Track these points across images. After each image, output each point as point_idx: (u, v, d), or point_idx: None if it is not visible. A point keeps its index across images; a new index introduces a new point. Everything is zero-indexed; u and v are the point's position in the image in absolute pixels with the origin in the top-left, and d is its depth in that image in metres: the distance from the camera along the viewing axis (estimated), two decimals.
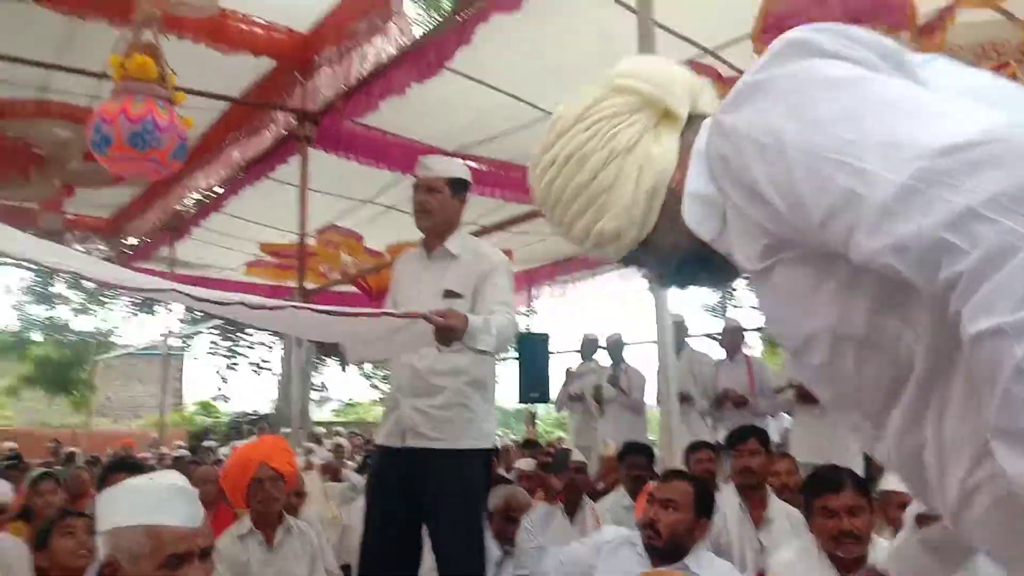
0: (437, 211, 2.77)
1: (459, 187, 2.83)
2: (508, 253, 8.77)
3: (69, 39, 4.81)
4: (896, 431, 0.76)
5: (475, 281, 2.70)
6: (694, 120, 0.94)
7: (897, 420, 0.76)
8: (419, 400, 2.70)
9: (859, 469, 4.87)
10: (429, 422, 2.67)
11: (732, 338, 5.62)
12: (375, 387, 21.57)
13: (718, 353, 5.76)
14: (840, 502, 2.23)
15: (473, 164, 6.18)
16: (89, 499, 5.09)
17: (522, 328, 11.47)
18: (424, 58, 4.32)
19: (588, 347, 7.17)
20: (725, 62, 4.36)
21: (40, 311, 16.20)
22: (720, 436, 4.93)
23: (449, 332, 2.24)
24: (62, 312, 16.58)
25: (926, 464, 0.74)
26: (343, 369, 18.41)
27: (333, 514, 4.97)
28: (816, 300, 0.76)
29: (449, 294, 2.69)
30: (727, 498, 3.12)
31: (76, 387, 15.60)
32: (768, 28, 3.85)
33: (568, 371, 7.33)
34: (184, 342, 18.40)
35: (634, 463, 3.97)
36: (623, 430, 6.13)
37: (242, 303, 2.07)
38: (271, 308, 2.14)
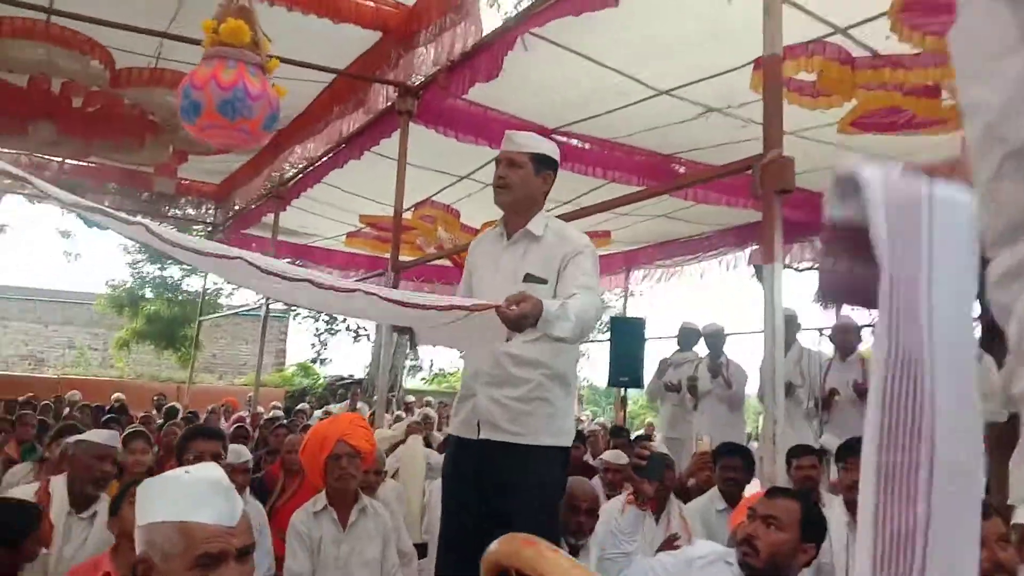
0: (517, 186, 2.60)
1: (544, 164, 2.65)
2: (607, 234, 8.66)
3: (181, 6, 4.88)
4: None
5: (558, 264, 2.52)
6: None
7: None
8: (497, 390, 2.55)
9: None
10: (507, 414, 2.52)
11: (844, 337, 5.24)
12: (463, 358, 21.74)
13: (829, 350, 5.39)
14: (989, 530, 1.96)
15: (576, 142, 6.00)
16: None
17: (617, 311, 11.25)
18: (522, 30, 4.14)
19: (686, 336, 6.86)
20: (857, 42, 4.00)
21: (153, 270, 17.06)
22: (825, 440, 4.62)
23: (521, 320, 2.08)
24: (173, 272, 17.40)
25: None
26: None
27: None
28: None
29: (530, 279, 2.53)
30: (834, 513, 2.87)
31: (183, 344, 16.36)
32: (909, 6, 3.51)
33: (663, 360, 7.05)
34: (288, 305, 18.99)
35: (730, 465, 3.74)
36: (719, 425, 5.86)
37: (309, 280, 1.98)
38: (339, 290, 2.04)
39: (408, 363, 16.92)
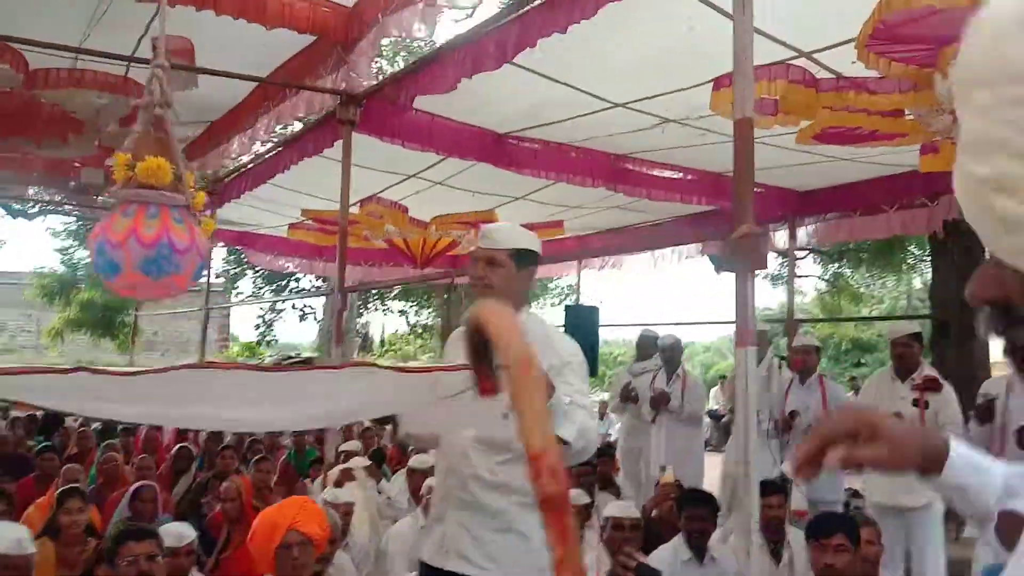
0: (499, 288, 2.36)
1: (526, 259, 2.42)
2: (558, 224, 8.50)
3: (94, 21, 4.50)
4: None
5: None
6: None
7: None
8: (467, 516, 2.34)
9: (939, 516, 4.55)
10: (477, 546, 2.31)
11: (805, 358, 5.18)
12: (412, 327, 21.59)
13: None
14: None
15: (527, 145, 5.78)
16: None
17: (571, 300, 11.17)
18: (483, 51, 3.87)
19: (645, 345, 6.73)
20: (822, 65, 3.85)
21: (84, 255, 16.28)
22: (786, 467, 4.58)
23: None
24: None
25: None
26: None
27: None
28: None
29: None
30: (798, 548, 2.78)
31: (121, 330, 15.75)
32: (878, 35, 3.36)
33: (619, 372, 6.95)
34: (228, 284, 18.47)
35: (695, 515, 3.65)
36: (676, 440, 5.80)
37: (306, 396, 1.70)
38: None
39: (356, 339, 16.63)
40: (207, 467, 6.18)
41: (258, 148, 6.94)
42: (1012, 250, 0.58)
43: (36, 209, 11.99)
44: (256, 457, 5.42)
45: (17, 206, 11.24)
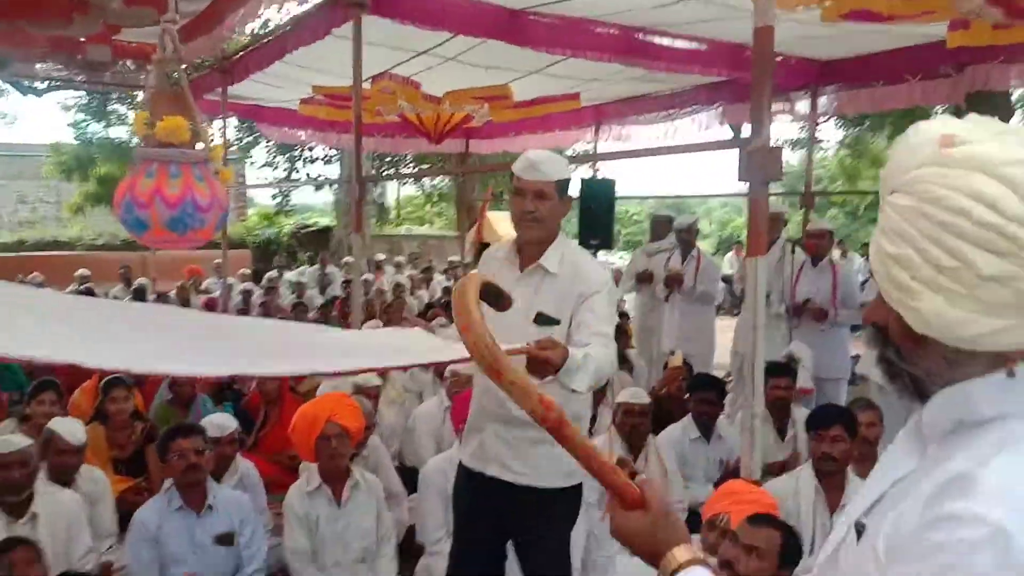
0: (548, 219, 2.40)
1: (566, 188, 2.45)
2: (575, 96, 8.36)
3: None
4: None
5: (573, 304, 2.36)
6: None
7: None
8: (504, 429, 2.47)
9: None
10: (514, 455, 2.47)
11: (818, 243, 5.23)
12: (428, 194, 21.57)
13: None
14: None
15: (542, 21, 5.61)
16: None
17: (587, 174, 11.05)
18: None
19: (659, 226, 6.78)
20: None
21: (98, 129, 16.14)
22: (794, 347, 4.74)
23: (544, 366, 1.98)
24: (119, 132, 16.54)
25: None
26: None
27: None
28: None
29: (543, 319, 2.38)
30: (803, 482, 2.99)
31: None
32: None
33: (635, 253, 7.02)
34: (242, 153, 18.38)
35: (704, 398, 3.87)
36: (688, 318, 5.96)
37: (337, 372, 1.78)
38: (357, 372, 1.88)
39: (375, 215, 16.67)
40: None
41: (270, 16, 6.75)
42: (896, 301, 0.84)
43: (45, 85, 11.84)
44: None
45: (26, 83, 11.10)
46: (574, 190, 2.51)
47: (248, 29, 6.73)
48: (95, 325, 2.05)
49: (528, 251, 2.49)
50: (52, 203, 20.69)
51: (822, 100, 7.30)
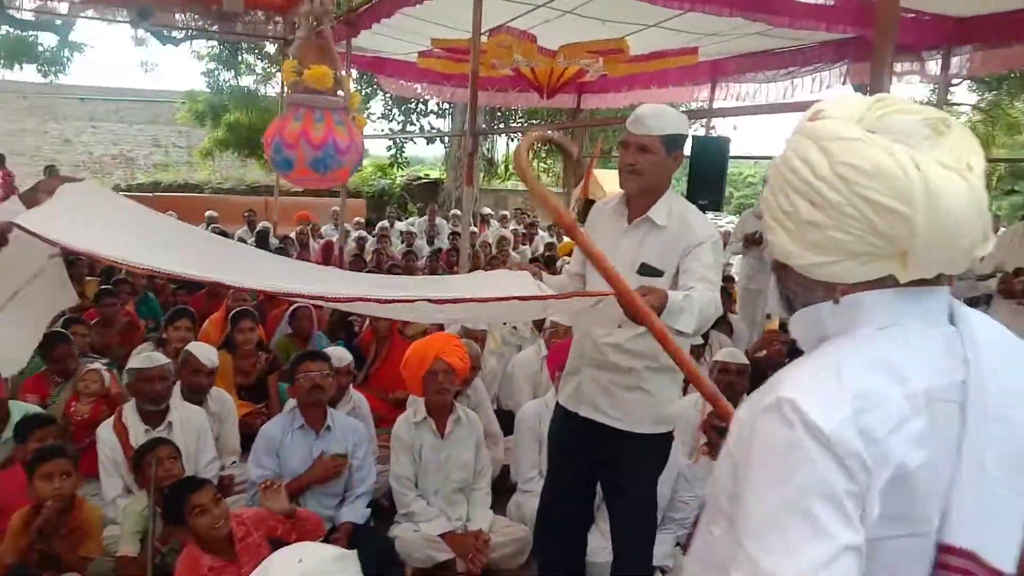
0: (648, 173, 2.43)
1: (675, 144, 2.44)
2: (693, 51, 8.19)
3: None
4: None
5: (679, 256, 2.40)
6: None
7: None
8: (600, 373, 2.57)
9: None
10: (608, 399, 2.56)
11: None
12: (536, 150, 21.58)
13: None
14: None
15: None
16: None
17: (701, 132, 10.83)
18: None
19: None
20: None
21: (228, 77, 16.91)
22: None
23: (644, 314, 1.97)
24: (248, 81, 17.26)
25: None
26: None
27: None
28: None
29: (646, 269, 2.43)
30: None
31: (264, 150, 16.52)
32: None
33: (744, 214, 6.88)
34: (361, 105, 18.89)
35: None
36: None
37: (428, 300, 1.86)
38: (453, 301, 1.95)
39: (481, 167, 16.87)
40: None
41: None
42: (767, 234, 1.06)
43: (183, 35, 12.48)
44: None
45: (167, 33, 11.73)
46: (687, 147, 2.51)
47: None
48: (232, 256, 2.28)
49: (637, 204, 2.53)
50: (183, 148, 21.91)
51: (955, 60, 6.88)
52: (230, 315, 4.72)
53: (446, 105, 17.21)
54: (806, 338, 1.05)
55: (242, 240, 9.19)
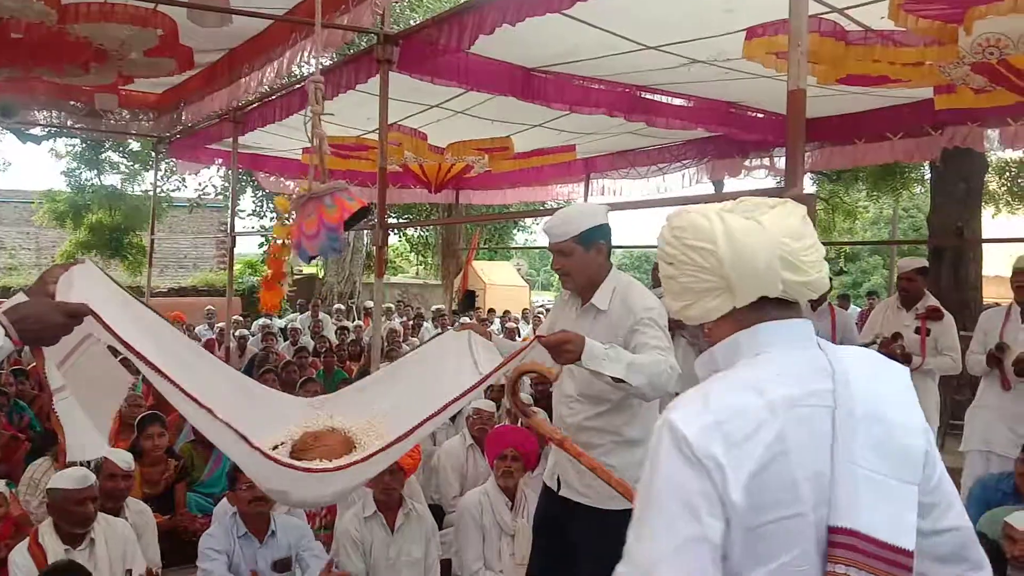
0: (577, 272, 2.67)
1: (591, 237, 2.65)
2: (571, 148, 8.70)
3: None
4: None
5: (624, 336, 2.59)
6: None
7: None
8: None
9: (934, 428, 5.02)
10: (578, 476, 2.69)
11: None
12: (412, 244, 21.82)
13: None
14: None
15: (554, 80, 5.93)
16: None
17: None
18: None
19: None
20: (852, 19, 4.06)
21: (91, 176, 16.17)
22: None
23: (562, 344, 2.27)
24: (113, 180, 16.63)
25: None
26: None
27: None
28: None
29: None
30: None
31: (130, 251, 15.86)
32: None
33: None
34: (225, 197, 18.54)
35: None
36: (690, 362, 6.19)
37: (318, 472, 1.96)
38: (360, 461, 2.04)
39: (362, 262, 16.85)
40: None
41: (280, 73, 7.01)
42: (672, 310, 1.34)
43: (45, 132, 11.92)
44: (302, 379, 5.79)
45: (28, 131, 11.18)
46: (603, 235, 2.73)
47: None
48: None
49: (584, 292, 2.74)
50: (31, 250, 20.58)
51: (805, 156, 7.69)
52: (137, 420, 4.49)
53: None
54: (704, 376, 1.27)
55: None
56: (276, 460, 1.96)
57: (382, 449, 2.02)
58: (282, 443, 2.26)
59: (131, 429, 4.67)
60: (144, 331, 2.03)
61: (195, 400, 1.91)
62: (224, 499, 3.44)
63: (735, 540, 1.10)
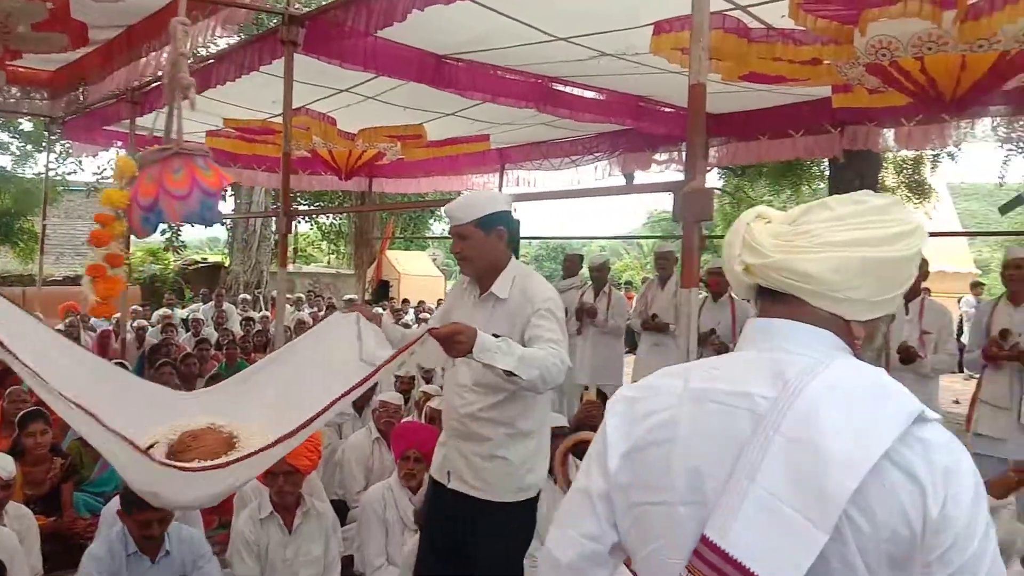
0: (475, 257, 2.63)
1: (491, 223, 2.63)
2: (485, 138, 8.65)
3: None
4: None
5: (521, 326, 2.57)
6: None
7: None
8: (462, 443, 2.68)
9: None
10: (470, 469, 2.66)
11: (719, 279, 5.66)
12: (324, 232, 21.40)
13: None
14: None
15: (465, 68, 5.87)
16: None
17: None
18: None
19: (572, 264, 7.12)
20: (754, 16, 4.14)
21: None
22: None
23: (453, 336, 2.21)
24: (3, 161, 15.64)
25: None
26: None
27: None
28: None
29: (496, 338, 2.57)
30: None
31: (20, 237, 14.97)
32: None
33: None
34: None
35: None
36: (601, 349, 6.26)
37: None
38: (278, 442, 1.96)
39: (270, 250, 16.37)
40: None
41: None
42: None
43: None
44: (209, 375, 5.58)
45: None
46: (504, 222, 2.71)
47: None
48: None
49: (483, 280, 2.71)
50: None
51: (711, 151, 7.85)
52: (17, 417, 4.22)
53: (227, 188, 16.58)
54: None
55: None
56: (151, 458, 1.85)
57: (263, 449, 1.93)
58: (157, 442, 2.14)
59: (12, 427, 4.38)
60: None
61: (58, 392, 1.79)
62: (114, 505, 3.23)
63: (621, 514, 1.16)
